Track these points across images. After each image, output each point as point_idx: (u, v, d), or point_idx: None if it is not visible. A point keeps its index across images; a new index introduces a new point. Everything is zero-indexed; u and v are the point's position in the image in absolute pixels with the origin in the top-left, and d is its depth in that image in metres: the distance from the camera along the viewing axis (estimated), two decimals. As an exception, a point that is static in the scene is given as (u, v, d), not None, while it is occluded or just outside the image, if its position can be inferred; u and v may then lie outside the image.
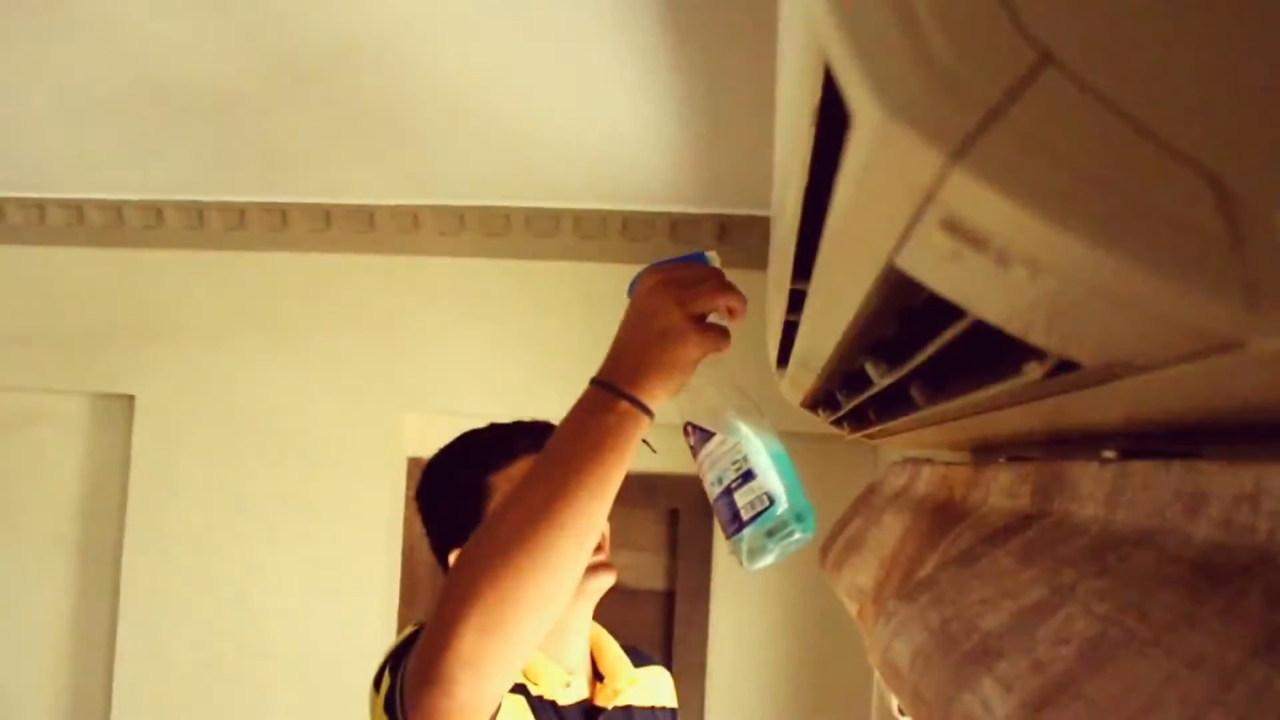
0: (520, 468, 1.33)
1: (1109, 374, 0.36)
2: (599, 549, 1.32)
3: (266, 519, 2.62)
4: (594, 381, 0.93)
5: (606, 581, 1.32)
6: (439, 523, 1.40)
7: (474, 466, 1.36)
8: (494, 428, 1.42)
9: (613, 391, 0.90)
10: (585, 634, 1.40)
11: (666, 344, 0.90)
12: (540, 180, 2.32)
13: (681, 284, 0.91)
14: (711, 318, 0.92)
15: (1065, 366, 0.37)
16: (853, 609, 0.99)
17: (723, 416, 0.94)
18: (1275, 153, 0.25)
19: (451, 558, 1.34)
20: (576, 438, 0.92)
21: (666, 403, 0.93)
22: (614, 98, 1.76)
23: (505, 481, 1.32)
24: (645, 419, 0.91)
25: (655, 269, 0.96)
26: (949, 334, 0.41)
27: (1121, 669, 0.38)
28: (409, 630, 1.30)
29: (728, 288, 0.92)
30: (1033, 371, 0.38)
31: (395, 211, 2.56)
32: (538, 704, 1.28)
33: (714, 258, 0.97)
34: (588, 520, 0.90)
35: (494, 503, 1.31)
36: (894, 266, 0.37)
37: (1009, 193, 0.25)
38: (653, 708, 1.47)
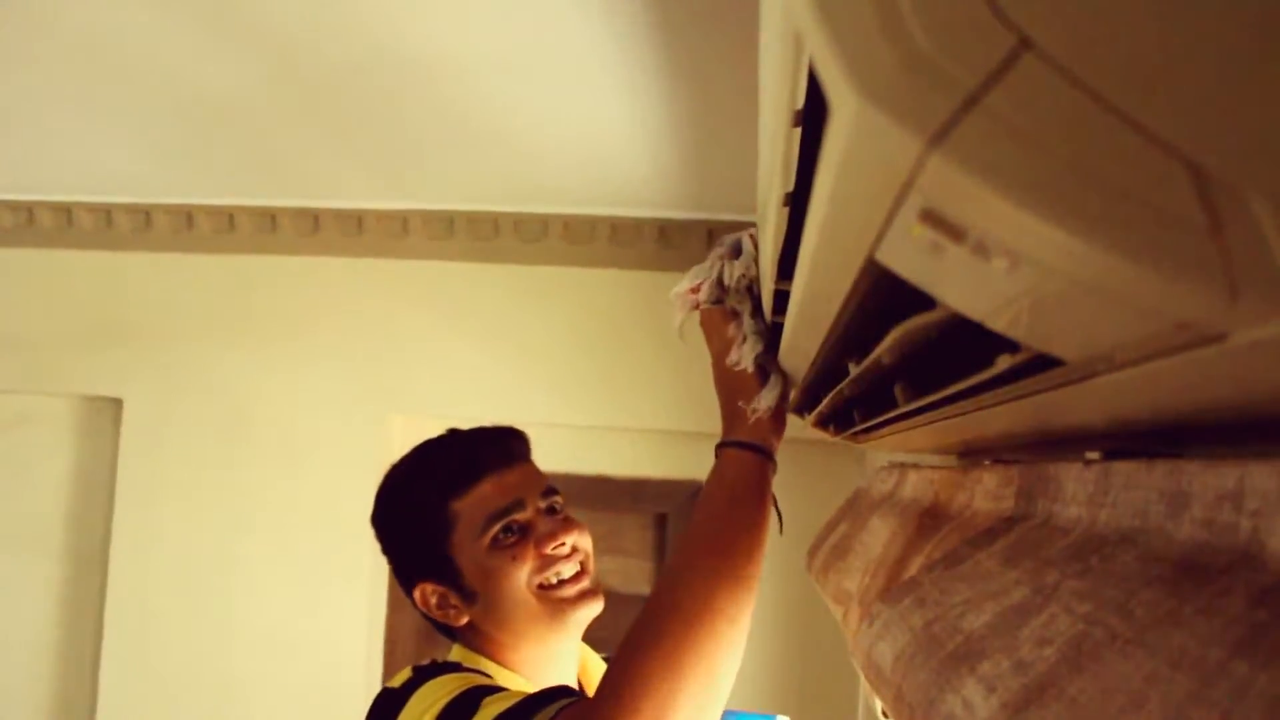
0: (484, 491, 1.19)
1: (1090, 370, 0.35)
2: (583, 573, 1.23)
3: (254, 521, 2.61)
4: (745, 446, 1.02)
5: (594, 610, 1.22)
6: (400, 555, 1.26)
7: (433, 492, 1.20)
8: (453, 442, 1.26)
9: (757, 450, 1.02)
10: (576, 662, 1.31)
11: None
12: (529, 185, 2.31)
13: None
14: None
15: (1042, 362, 0.36)
16: (838, 613, 0.99)
17: None
18: (1253, 139, 0.24)
19: (417, 594, 1.22)
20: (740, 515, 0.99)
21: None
22: (603, 104, 1.76)
23: (469, 508, 1.19)
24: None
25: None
26: (919, 320, 0.41)
27: (1104, 668, 0.37)
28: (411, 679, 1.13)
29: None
30: (1003, 364, 0.38)
31: (384, 216, 2.55)
32: None
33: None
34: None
35: (458, 533, 1.18)
36: (874, 261, 0.37)
37: (986, 180, 0.25)
38: None
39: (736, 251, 1.08)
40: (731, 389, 1.04)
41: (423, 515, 1.21)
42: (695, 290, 1.08)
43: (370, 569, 2.58)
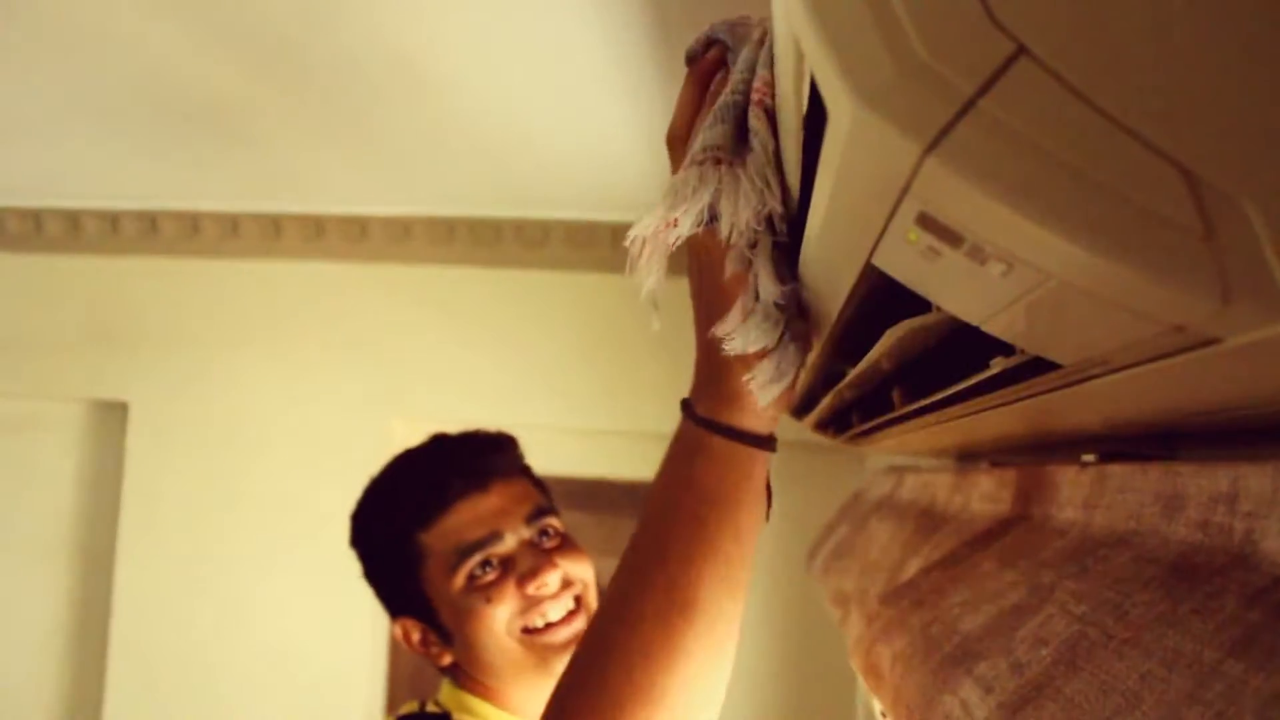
0: (455, 521, 1.03)
1: (1085, 373, 0.36)
2: (578, 610, 1.04)
3: (258, 525, 2.61)
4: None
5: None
6: (376, 587, 1.14)
7: (398, 523, 1.07)
8: (423, 460, 1.11)
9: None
10: None
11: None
12: (531, 191, 2.32)
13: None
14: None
15: (1038, 364, 0.36)
16: (837, 614, 0.99)
17: None
18: (1246, 145, 0.25)
19: (397, 630, 1.10)
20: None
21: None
22: (604, 109, 1.76)
23: (438, 541, 1.03)
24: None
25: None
26: (916, 323, 0.41)
27: (1099, 669, 0.38)
28: None
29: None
30: (998, 366, 0.38)
31: (387, 221, 2.56)
32: None
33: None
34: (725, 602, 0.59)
35: (429, 569, 1.04)
36: (873, 266, 0.37)
37: (982, 185, 0.25)
38: None
39: (741, 137, 0.58)
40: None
41: (389, 548, 1.08)
42: (673, 223, 0.57)
43: (371, 573, 2.57)
